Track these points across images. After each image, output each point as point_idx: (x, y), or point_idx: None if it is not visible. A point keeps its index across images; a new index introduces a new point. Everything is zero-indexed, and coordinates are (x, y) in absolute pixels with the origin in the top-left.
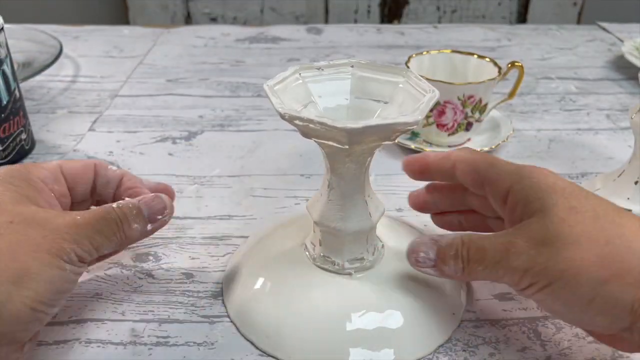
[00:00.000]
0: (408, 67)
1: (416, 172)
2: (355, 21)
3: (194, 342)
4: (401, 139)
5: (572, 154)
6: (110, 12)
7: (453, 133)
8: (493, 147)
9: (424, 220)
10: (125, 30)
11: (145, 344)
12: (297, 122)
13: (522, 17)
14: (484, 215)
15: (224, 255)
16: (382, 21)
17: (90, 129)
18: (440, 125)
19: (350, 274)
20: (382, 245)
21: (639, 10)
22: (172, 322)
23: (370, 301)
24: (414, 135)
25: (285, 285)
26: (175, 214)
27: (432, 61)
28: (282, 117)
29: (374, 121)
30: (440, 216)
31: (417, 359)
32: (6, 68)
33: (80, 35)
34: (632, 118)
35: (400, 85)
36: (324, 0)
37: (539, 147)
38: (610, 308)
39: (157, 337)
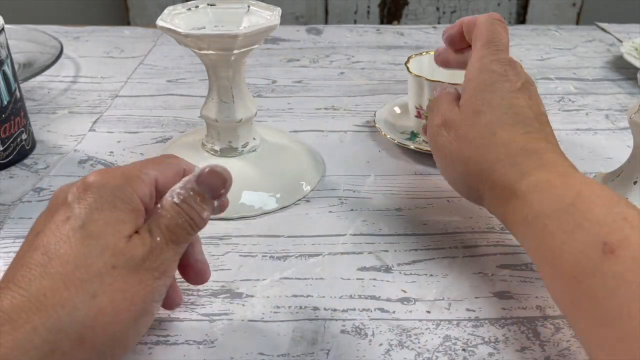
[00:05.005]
0: (408, 67)
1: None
2: (355, 22)
3: (194, 341)
4: (401, 140)
5: (571, 154)
6: (111, 13)
7: None
8: None
9: (425, 219)
10: (125, 30)
11: (145, 343)
12: (190, 38)
13: (521, 18)
14: None
15: (223, 255)
16: (382, 22)
17: (91, 129)
18: None
19: (226, 156)
20: (260, 141)
21: (638, 11)
22: (172, 320)
23: (246, 173)
24: (413, 135)
25: None
26: None
27: (432, 61)
28: (184, 35)
29: (250, 28)
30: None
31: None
32: (7, 68)
33: (80, 36)
34: (631, 118)
35: (245, 11)
36: (323, 1)
37: None
38: (461, 183)
39: (157, 335)
